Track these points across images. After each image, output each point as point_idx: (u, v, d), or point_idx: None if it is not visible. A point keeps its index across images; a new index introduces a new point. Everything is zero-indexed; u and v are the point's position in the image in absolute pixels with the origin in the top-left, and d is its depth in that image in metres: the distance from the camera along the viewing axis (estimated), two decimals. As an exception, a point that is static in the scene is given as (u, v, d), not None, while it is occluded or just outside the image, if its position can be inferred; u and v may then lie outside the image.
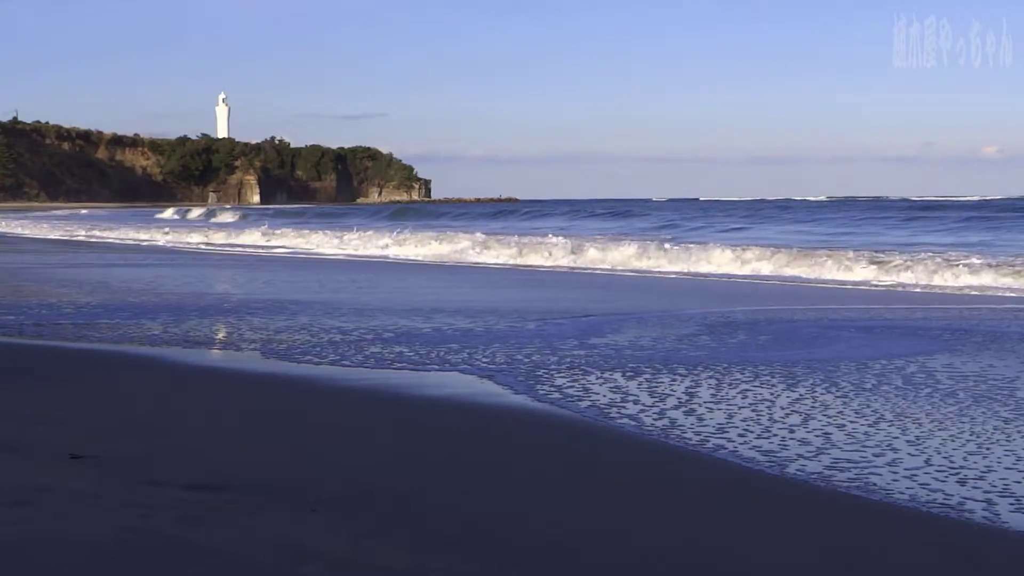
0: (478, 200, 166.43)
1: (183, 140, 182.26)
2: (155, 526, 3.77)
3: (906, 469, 4.83)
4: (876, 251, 20.62)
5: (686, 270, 19.49)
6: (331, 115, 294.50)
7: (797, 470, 4.83)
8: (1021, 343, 8.99)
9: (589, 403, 6.31)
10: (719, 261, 19.75)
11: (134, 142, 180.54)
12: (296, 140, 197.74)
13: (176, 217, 76.97)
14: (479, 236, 27.07)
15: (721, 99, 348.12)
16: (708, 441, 5.37)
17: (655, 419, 5.86)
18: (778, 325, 10.14)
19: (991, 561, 3.76)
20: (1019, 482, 4.67)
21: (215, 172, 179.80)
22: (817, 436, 5.47)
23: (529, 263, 21.91)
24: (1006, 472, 4.82)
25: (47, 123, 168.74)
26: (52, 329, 9.83)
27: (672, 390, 6.70)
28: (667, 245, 22.56)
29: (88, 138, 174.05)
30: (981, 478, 4.71)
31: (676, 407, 6.18)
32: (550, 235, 27.19)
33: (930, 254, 18.69)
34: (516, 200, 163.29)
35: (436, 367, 7.67)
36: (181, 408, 6.25)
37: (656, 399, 6.41)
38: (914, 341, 9.07)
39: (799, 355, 8.15)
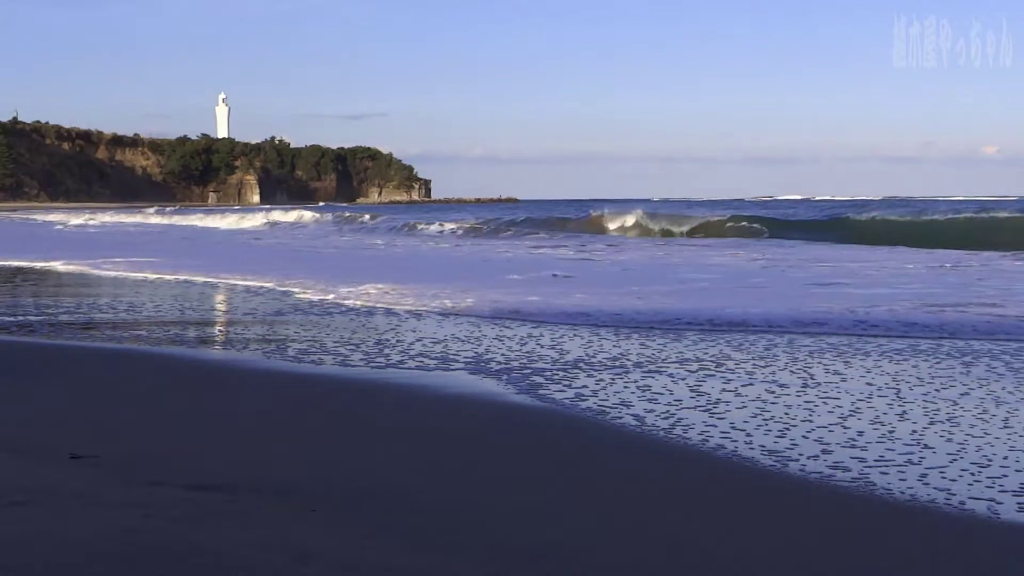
0: (478, 200, 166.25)
1: (183, 140, 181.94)
2: (155, 526, 3.76)
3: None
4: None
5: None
6: (331, 115, 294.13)
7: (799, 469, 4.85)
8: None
9: (588, 402, 6.32)
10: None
11: (134, 142, 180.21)
12: (296, 140, 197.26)
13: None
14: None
15: (721, 99, 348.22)
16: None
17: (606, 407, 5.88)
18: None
19: None
20: None
21: (215, 172, 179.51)
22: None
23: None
24: None
25: (47, 123, 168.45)
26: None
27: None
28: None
29: (88, 138, 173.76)
30: None
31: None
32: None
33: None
34: (516, 200, 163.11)
35: (442, 367, 7.68)
36: (182, 408, 6.25)
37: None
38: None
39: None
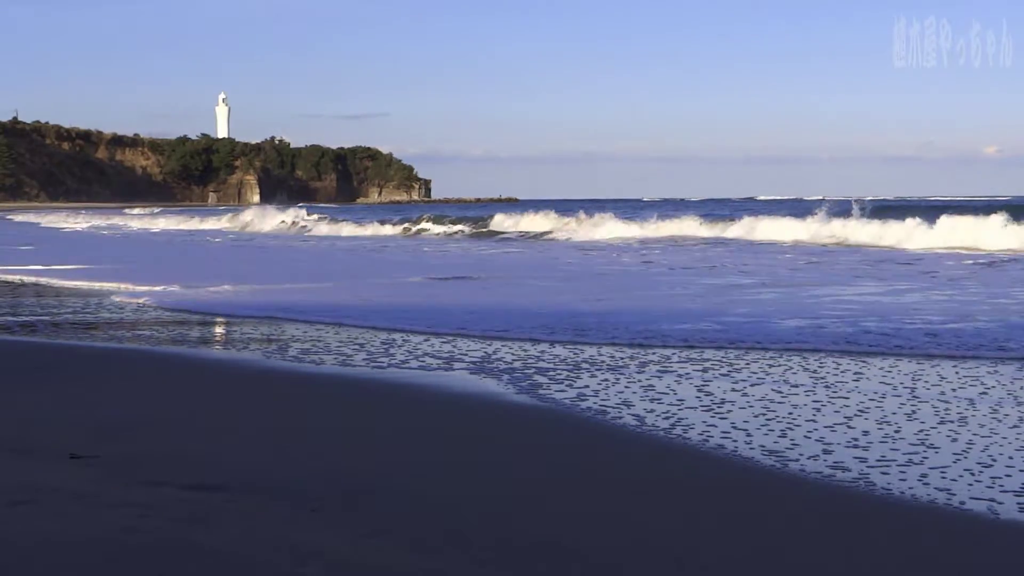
0: (478, 200, 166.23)
1: (183, 140, 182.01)
2: (155, 526, 3.76)
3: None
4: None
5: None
6: (331, 115, 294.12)
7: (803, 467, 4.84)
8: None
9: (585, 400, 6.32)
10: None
11: (134, 142, 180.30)
12: (296, 140, 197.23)
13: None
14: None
15: (721, 99, 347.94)
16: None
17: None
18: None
19: None
20: None
21: (215, 172, 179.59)
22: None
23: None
24: None
25: (47, 123, 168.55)
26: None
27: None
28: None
29: (88, 138, 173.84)
30: None
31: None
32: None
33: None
34: (516, 200, 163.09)
35: (442, 368, 7.68)
36: (182, 408, 6.25)
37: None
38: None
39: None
